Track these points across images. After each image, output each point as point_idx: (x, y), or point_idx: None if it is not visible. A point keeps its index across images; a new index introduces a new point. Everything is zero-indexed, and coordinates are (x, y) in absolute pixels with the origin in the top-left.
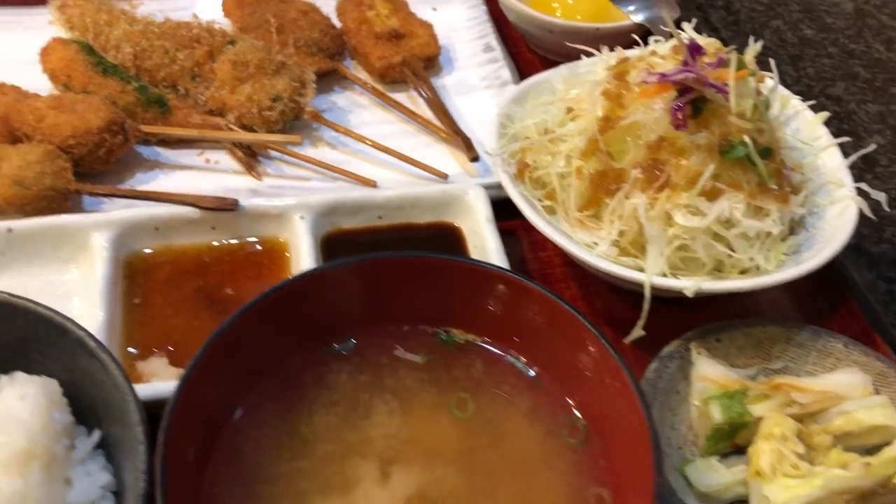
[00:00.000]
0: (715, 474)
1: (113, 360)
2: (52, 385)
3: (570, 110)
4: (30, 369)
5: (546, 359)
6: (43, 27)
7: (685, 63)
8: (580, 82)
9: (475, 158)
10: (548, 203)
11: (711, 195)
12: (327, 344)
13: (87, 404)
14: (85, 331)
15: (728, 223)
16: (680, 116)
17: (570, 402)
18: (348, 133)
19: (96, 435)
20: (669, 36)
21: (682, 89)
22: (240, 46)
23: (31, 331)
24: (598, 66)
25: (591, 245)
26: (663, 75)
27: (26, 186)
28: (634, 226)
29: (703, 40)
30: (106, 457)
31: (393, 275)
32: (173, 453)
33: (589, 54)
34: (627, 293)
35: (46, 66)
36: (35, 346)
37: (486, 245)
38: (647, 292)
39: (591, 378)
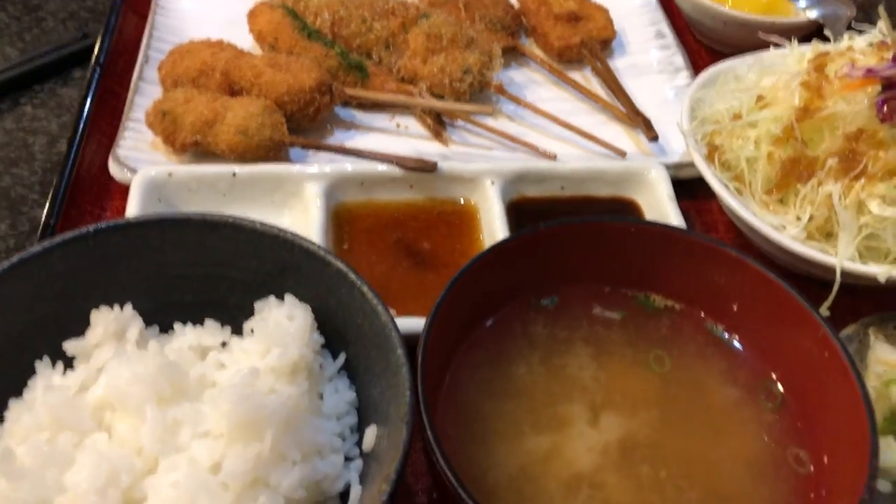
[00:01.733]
0: (892, 452)
1: (372, 291)
2: (309, 309)
3: (760, 98)
4: (283, 296)
5: (749, 329)
6: None
7: (894, 59)
8: (771, 72)
9: (654, 138)
10: (735, 185)
11: None
12: (535, 297)
13: (334, 329)
14: (346, 263)
15: None
16: (886, 110)
17: (772, 372)
18: (529, 107)
19: (342, 357)
20: (841, 33)
21: (888, 84)
22: (434, 20)
23: (293, 261)
24: (787, 58)
25: (780, 227)
26: (870, 70)
27: (248, 135)
28: (825, 212)
29: None
30: (348, 377)
31: (598, 238)
32: (429, 377)
33: (773, 46)
34: (794, 278)
35: (254, 28)
36: (293, 275)
37: (667, 221)
38: (838, 276)
39: (797, 350)
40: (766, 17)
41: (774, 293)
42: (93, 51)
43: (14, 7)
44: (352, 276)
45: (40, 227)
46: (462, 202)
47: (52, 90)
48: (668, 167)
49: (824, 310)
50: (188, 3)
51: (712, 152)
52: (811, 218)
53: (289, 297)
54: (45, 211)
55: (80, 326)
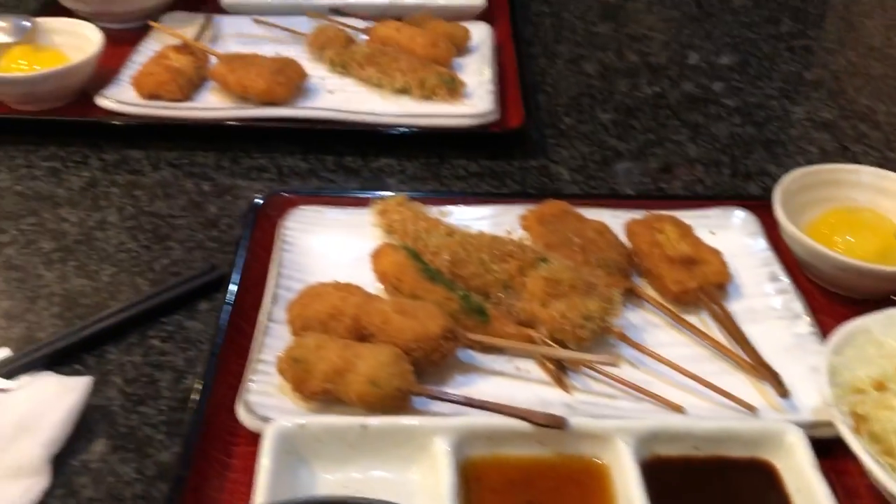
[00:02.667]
0: None
1: None
2: None
3: None
4: None
5: None
6: (364, 227)
7: None
8: None
9: (784, 395)
10: (888, 461)
11: None
12: None
13: None
14: None
15: None
16: None
17: None
18: (653, 355)
19: None
20: None
21: None
22: (553, 265)
23: None
24: None
25: None
26: None
27: (379, 386)
28: None
29: None
30: None
31: None
32: None
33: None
34: None
35: (377, 268)
36: None
37: (811, 489)
38: None
39: None
40: (885, 268)
41: None
42: (219, 284)
43: (144, 235)
44: None
45: (169, 473)
46: (593, 460)
47: (178, 323)
48: (804, 426)
49: None
50: (313, 239)
51: (858, 423)
52: None
53: None
54: (177, 460)
55: None
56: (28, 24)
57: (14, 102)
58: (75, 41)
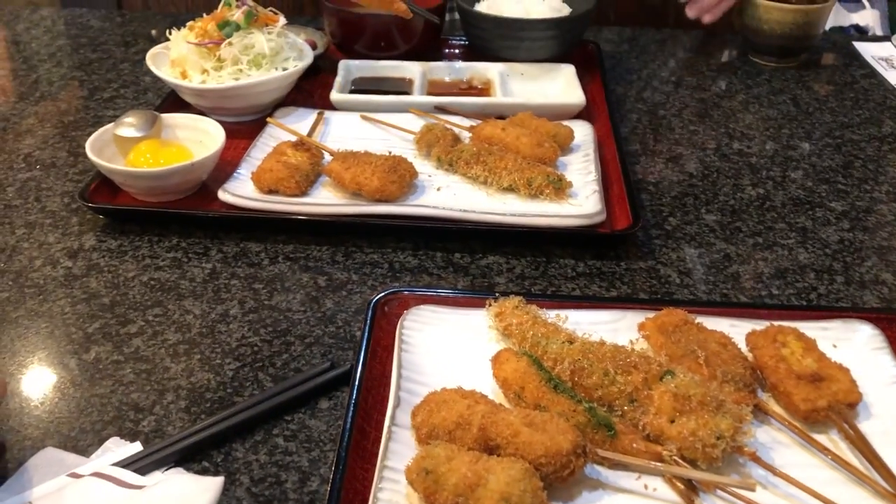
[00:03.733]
0: None
1: None
2: None
3: None
4: None
5: None
6: (480, 329)
7: None
8: None
9: None
10: None
11: None
12: None
13: None
14: None
15: None
16: None
17: None
18: (787, 479)
19: None
20: None
21: None
22: (681, 380)
23: None
24: None
25: None
26: None
27: (511, 503)
28: None
29: None
30: None
31: None
32: None
33: None
34: None
35: (498, 374)
36: None
37: None
38: None
39: None
40: None
41: None
42: (339, 382)
43: (265, 330)
44: None
45: None
46: None
47: (301, 422)
48: None
49: None
50: (431, 340)
51: None
52: None
53: None
54: None
55: None
56: (154, 119)
57: (140, 194)
58: (197, 136)
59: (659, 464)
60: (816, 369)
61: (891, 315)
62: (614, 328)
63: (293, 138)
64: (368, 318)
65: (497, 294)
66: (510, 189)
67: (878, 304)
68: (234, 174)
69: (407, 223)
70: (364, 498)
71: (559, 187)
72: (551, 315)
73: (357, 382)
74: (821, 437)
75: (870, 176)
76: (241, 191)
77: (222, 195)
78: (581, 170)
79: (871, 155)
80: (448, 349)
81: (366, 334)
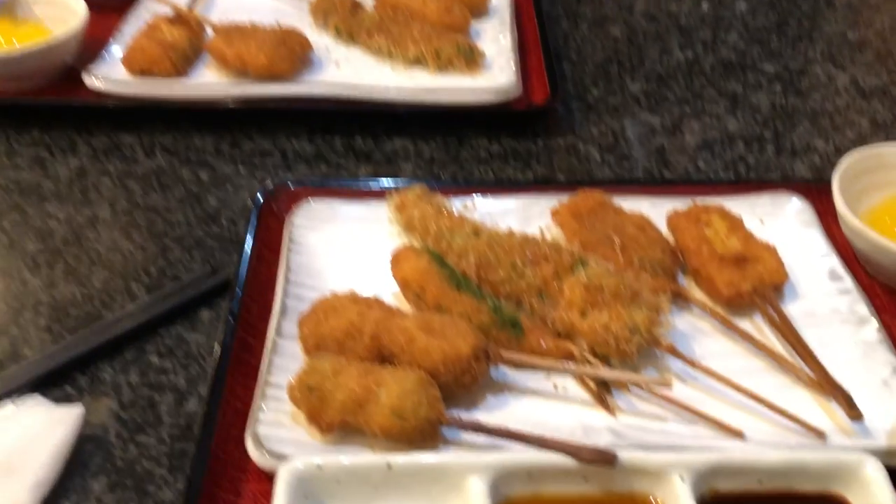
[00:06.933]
0: None
1: None
2: None
3: None
4: None
5: None
6: (380, 223)
7: None
8: None
9: (857, 417)
10: None
11: None
12: None
13: None
14: None
15: None
16: None
17: None
18: (706, 371)
19: None
20: None
21: None
22: (593, 270)
23: None
24: None
25: None
26: None
27: (404, 418)
28: None
29: None
30: None
31: None
32: None
33: None
34: None
35: (398, 275)
36: None
37: None
38: None
39: None
40: None
41: None
42: (221, 290)
43: (139, 233)
44: None
45: None
46: (645, 498)
47: (178, 336)
48: (878, 453)
49: None
50: (324, 238)
51: None
52: None
53: None
54: (182, 502)
55: None
56: None
57: None
58: (57, 12)
59: (569, 363)
60: (741, 250)
61: (820, 186)
62: (526, 216)
63: (171, 12)
64: (253, 216)
65: (399, 182)
66: (417, 61)
67: (809, 174)
68: (102, 55)
69: (301, 105)
70: (244, 419)
71: (471, 58)
72: (459, 204)
73: (239, 289)
74: (744, 323)
75: (804, 34)
76: (110, 74)
77: (89, 80)
78: (495, 38)
79: (807, 11)
80: (345, 249)
81: (250, 234)
